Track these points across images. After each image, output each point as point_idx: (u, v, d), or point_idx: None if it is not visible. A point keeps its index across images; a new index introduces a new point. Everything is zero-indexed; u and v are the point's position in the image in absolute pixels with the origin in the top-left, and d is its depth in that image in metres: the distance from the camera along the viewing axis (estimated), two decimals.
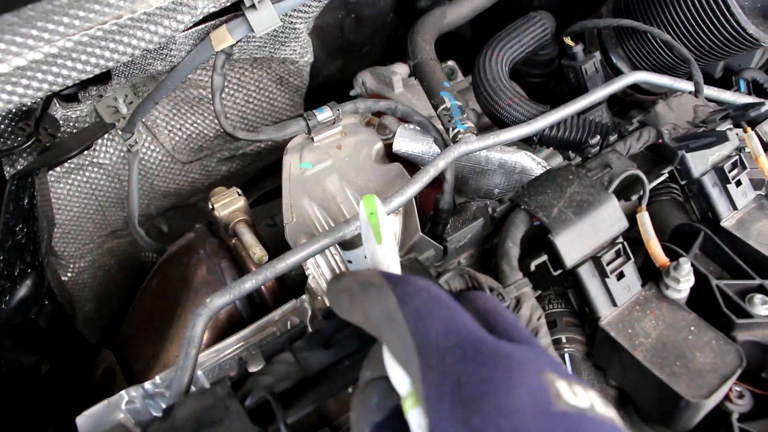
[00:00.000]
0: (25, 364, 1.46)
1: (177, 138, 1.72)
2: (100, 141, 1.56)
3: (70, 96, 1.37)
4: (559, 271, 0.97)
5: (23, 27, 0.92)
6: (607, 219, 0.99)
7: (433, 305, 0.60)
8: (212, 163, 1.86)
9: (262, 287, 1.21)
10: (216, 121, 1.73)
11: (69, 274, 1.68)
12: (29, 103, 1.05)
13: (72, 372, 1.62)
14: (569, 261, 0.96)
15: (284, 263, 0.95)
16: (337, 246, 1.06)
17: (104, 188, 1.65)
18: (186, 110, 1.68)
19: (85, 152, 1.54)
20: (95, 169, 1.60)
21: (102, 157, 1.60)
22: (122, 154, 1.63)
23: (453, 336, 0.56)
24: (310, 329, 1.01)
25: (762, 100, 1.21)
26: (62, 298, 1.49)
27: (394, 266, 0.78)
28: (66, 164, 1.53)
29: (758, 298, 0.99)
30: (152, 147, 1.70)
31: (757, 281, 1.02)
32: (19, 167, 1.42)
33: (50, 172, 1.49)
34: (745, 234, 1.10)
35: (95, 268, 1.76)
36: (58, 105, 1.37)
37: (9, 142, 1.36)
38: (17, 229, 1.28)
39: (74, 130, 1.47)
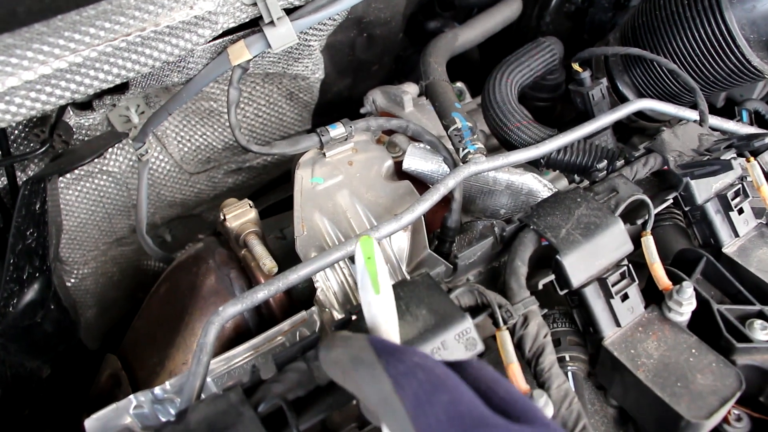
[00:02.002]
0: (28, 367, 1.47)
1: (186, 149, 1.74)
2: (110, 149, 1.58)
3: (84, 104, 1.39)
4: (566, 291, 1.00)
5: (51, 36, 0.95)
6: (613, 242, 1.01)
7: (431, 388, 0.58)
8: (219, 175, 1.88)
9: (270, 299, 1.23)
10: (225, 133, 1.76)
11: (72, 280, 1.70)
12: (57, 108, 1.07)
13: (71, 378, 1.63)
14: (576, 281, 0.98)
15: (296, 275, 0.97)
16: (347, 260, 1.08)
17: (112, 196, 1.67)
18: (196, 122, 1.71)
19: (96, 160, 1.56)
20: (104, 177, 1.62)
21: (111, 165, 1.62)
22: (131, 163, 1.65)
23: (456, 422, 0.54)
24: None
25: (766, 131, 1.24)
26: (67, 303, 1.50)
27: (391, 321, 0.79)
28: (76, 171, 1.55)
29: (758, 323, 1.01)
30: (161, 157, 1.72)
31: (758, 307, 1.04)
32: (30, 173, 1.44)
33: (60, 178, 1.51)
34: (746, 261, 1.12)
35: (98, 275, 1.77)
36: (71, 112, 1.39)
37: (22, 148, 1.39)
38: (28, 233, 1.30)
39: (86, 138, 1.49)
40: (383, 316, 0.79)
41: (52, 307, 1.42)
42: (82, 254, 1.69)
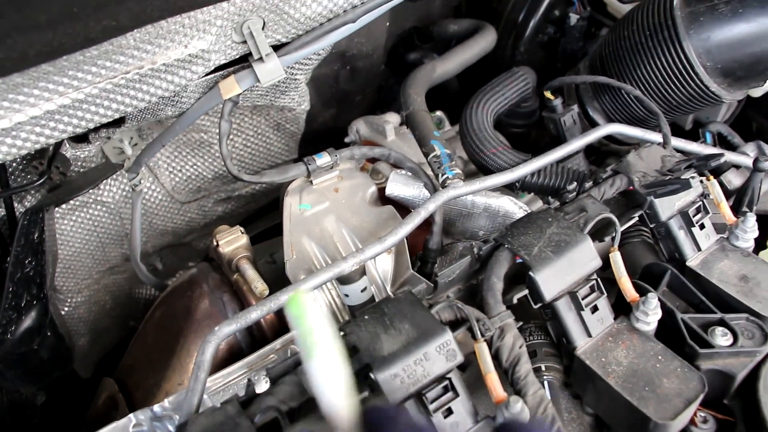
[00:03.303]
0: (23, 394, 1.50)
1: (177, 179, 1.80)
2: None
3: (80, 137, 1.45)
4: (539, 305, 1.06)
5: (56, 75, 1.01)
6: (583, 258, 1.08)
7: None
8: (209, 204, 1.94)
9: (262, 320, 1.28)
10: (215, 163, 1.82)
11: (66, 308, 1.73)
12: (53, 144, 1.14)
13: (64, 405, 1.66)
14: (548, 295, 1.05)
15: (287, 296, 1.03)
16: (335, 281, 1.14)
17: (106, 225, 1.72)
18: (187, 153, 1.77)
19: (90, 190, 1.61)
20: (98, 207, 1.67)
21: (106, 195, 1.67)
22: (124, 193, 1.70)
23: None
24: None
25: (721, 151, 1.32)
26: (63, 330, 1.54)
27: (334, 389, 0.76)
28: (71, 201, 1.59)
29: (719, 330, 1.08)
30: (153, 187, 1.78)
31: (718, 315, 1.11)
32: (27, 204, 1.49)
33: (56, 208, 1.56)
34: (708, 273, 1.20)
35: (91, 303, 1.81)
36: (68, 145, 1.44)
37: (20, 179, 1.44)
38: (27, 262, 1.34)
39: (82, 169, 1.55)
40: (324, 383, 0.76)
41: (49, 333, 1.45)
42: (76, 283, 1.73)
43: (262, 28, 1.22)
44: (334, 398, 0.78)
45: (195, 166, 1.80)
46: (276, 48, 1.28)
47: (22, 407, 1.50)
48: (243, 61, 1.29)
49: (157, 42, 1.10)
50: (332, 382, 0.77)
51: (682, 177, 1.20)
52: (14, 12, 0.78)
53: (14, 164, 1.42)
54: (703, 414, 1.07)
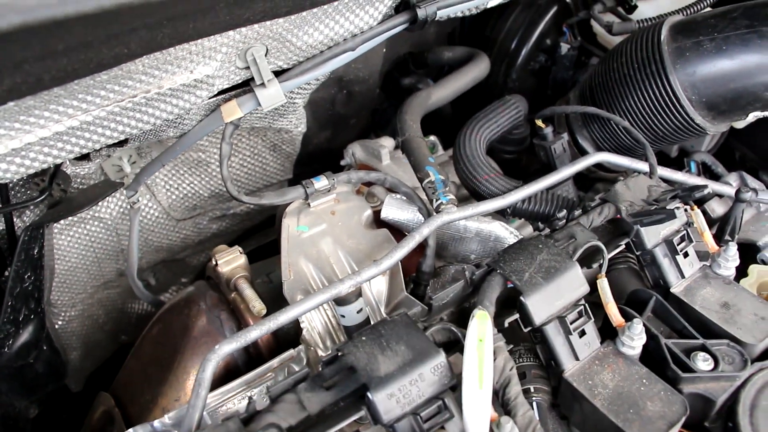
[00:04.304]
0: (17, 407, 1.51)
1: (174, 197, 1.83)
2: None
3: (82, 155, 1.47)
4: (529, 328, 1.10)
5: (66, 98, 1.05)
6: (572, 283, 1.12)
7: None
8: (204, 221, 1.97)
9: (259, 340, 1.31)
10: (211, 182, 1.85)
11: (60, 322, 1.74)
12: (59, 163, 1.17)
13: (56, 419, 1.67)
14: (538, 319, 1.09)
15: (286, 316, 1.06)
16: (332, 302, 1.18)
17: (102, 241, 1.74)
18: (184, 171, 1.80)
19: None
20: (96, 223, 1.70)
21: (103, 211, 1.69)
22: (122, 210, 1.72)
23: None
24: None
25: (705, 182, 1.37)
26: (58, 344, 1.55)
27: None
28: (69, 217, 1.62)
29: (701, 355, 1.12)
30: (150, 204, 1.81)
31: (700, 341, 1.15)
32: (27, 219, 1.51)
33: (54, 224, 1.58)
34: (691, 299, 1.24)
35: (84, 318, 1.82)
36: (68, 162, 1.47)
37: (20, 195, 1.46)
38: (26, 277, 1.36)
39: (81, 186, 1.58)
40: (481, 415, 0.87)
41: (45, 347, 1.47)
42: (71, 297, 1.75)
43: (265, 55, 1.26)
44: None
45: (192, 185, 1.83)
46: (277, 74, 1.31)
47: (15, 420, 1.51)
48: (244, 85, 1.32)
49: (164, 68, 1.13)
50: (483, 416, 0.88)
51: (668, 207, 1.25)
52: (34, 40, 0.81)
53: (15, 180, 1.44)
54: None
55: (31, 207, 1.51)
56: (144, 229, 1.83)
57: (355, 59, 1.44)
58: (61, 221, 1.61)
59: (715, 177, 1.70)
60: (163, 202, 1.82)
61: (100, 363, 1.93)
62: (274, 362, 1.18)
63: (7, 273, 1.34)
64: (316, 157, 1.96)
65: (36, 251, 1.38)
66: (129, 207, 1.65)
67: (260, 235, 2.14)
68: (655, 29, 1.55)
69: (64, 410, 1.72)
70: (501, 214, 1.49)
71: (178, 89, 1.18)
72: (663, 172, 1.44)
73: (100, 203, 1.67)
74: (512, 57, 2.09)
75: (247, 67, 1.27)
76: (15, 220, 1.50)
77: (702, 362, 1.11)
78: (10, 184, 1.43)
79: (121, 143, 1.38)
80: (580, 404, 1.08)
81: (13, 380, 1.42)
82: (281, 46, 1.27)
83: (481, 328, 0.90)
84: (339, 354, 0.97)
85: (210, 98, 1.28)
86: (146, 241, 1.87)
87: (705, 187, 1.28)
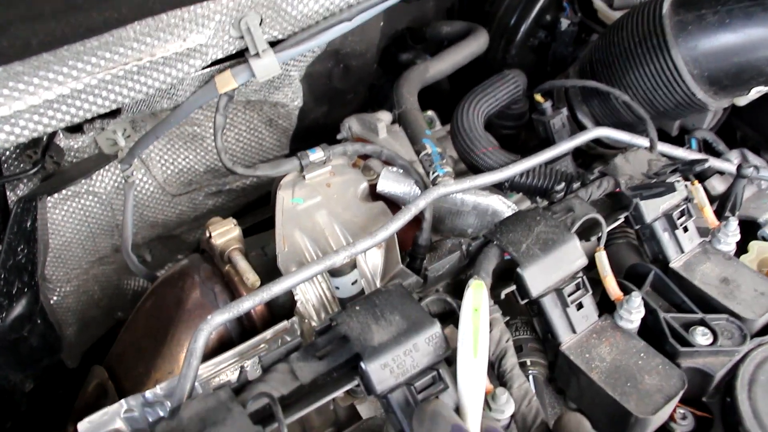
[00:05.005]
0: (12, 381, 1.51)
1: (169, 171, 1.81)
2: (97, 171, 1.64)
3: (74, 127, 1.45)
4: (526, 300, 1.09)
5: (56, 65, 1.03)
6: (569, 256, 1.11)
7: None
8: (200, 197, 1.95)
9: (252, 311, 1.30)
10: (207, 157, 1.83)
11: (55, 298, 1.73)
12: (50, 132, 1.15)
13: (52, 394, 1.67)
14: (535, 291, 1.08)
15: (279, 287, 1.04)
16: (326, 273, 1.16)
17: (97, 216, 1.72)
18: (180, 146, 1.78)
19: (83, 181, 1.62)
20: (90, 197, 1.68)
21: (98, 186, 1.68)
22: (116, 184, 1.71)
23: None
24: None
25: (706, 157, 1.36)
26: (52, 318, 1.54)
27: (479, 393, 0.89)
28: (63, 191, 1.60)
29: (699, 330, 1.11)
30: (145, 179, 1.79)
31: (699, 315, 1.14)
32: (20, 192, 1.49)
33: (48, 198, 1.56)
34: (690, 275, 1.23)
35: (80, 293, 1.81)
36: (62, 135, 1.45)
37: (13, 168, 1.45)
38: (19, 249, 1.35)
39: (74, 160, 1.56)
40: (475, 384, 0.86)
41: (39, 321, 1.46)
42: (65, 272, 1.74)
43: (260, 24, 1.24)
44: (476, 405, 0.88)
45: (187, 159, 1.81)
46: (272, 44, 1.29)
47: (10, 394, 1.50)
48: (239, 56, 1.30)
49: (156, 35, 1.11)
50: (480, 388, 0.87)
51: (668, 181, 1.23)
52: (20, 2, 0.79)
53: (8, 153, 1.43)
54: (682, 411, 1.10)
55: (24, 180, 1.50)
56: (139, 204, 1.81)
57: (352, 32, 1.42)
58: (55, 195, 1.60)
59: (716, 154, 1.69)
60: (158, 177, 1.81)
61: (95, 339, 1.92)
62: (268, 334, 1.17)
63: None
64: (313, 133, 1.94)
65: (29, 224, 1.37)
66: (124, 181, 1.64)
67: (256, 212, 2.12)
68: (656, 3, 1.52)
69: (60, 385, 1.71)
70: (499, 188, 1.47)
71: (171, 58, 1.16)
72: (663, 147, 1.42)
73: (94, 177, 1.66)
74: (511, 33, 2.06)
75: (242, 37, 1.25)
76: (8, 193, 1.49)
77: (701, 337, 1.10)
78: (2, 157, 1.41)
79: (114, 113, 1.36)
80: (577, 377, 1.07)
81: (7, 354, 1.41)
82: (276, 15, 1.25)
83: (476, 297, 0.89)
84: (332, 323, 0.96)
85: (204, 68, 1.26)
86: (141, 216, 1.85)
87: (706, 160, 1.27)
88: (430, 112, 1.87)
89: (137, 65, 1.11)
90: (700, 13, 1.44)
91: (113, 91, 1.13)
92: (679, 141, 1.83)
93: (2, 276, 1.32)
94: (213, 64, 1.28)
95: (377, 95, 2.16)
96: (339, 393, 0.92)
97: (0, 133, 1.07)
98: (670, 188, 1.19)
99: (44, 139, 1.39)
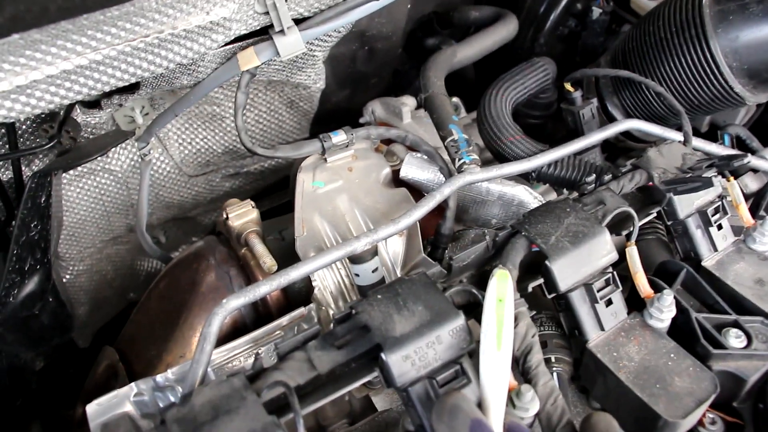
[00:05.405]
0: (23, 359, 1.49)
1: (186, 151, 1.79)
2: (113, 148, 1.62)
3: (92, 102, 1.43)
4: (553, 295, 1.05)
5: (75, 34, 0.99)
6: (600, 250, 1.06)
7: None
8: (216, 179, 1.92)
9: (268, 297, 1.26)
10: (225, 137, 1.80)
11: (68, 276, 1.72)
12: (67, 104, 1.12)
13: (62, 373, 1.65)
14: (563, 285, 1.03)
15: (297, 272, 1.01)
16: (346, 260, 1.13)
17: (112, 194, 1.70)
18: (198, 125, 1.75)
19: (99, 158, 1.60)
20: (106, 175, 1.66)
21: (114, 164, 1.65)
22: (132, 163, 1.68)
23: None
24: None
25: (744, 153, 1.31)
26: (64, 296, 1.53)
27: (502, 387, 0.85)
28: (79, 168, 1.58)
29: (733, 332, 1.07)
30: (162, 158, 1.76)
31: (733, 317, 1.10)
32: (34, 167, 1.48)
33: (63, 174, 1.54)
34: (723, 274, 1.18)
35: (93, 273, 1.80)
36: (79, 110, 1.43)
37: (29, 143, 1.42)
38: (32, 225, 1.33)
39: (91, 136, 1.53)
40: (498, 378, 0.83)
41: (51, 299, 1.44)
42: (79, 251, 1.72)
43: (286, 0, 1.20)
44: (499, 399, 0.84)
45: (205, 140, 1.78)
46: (298, 21, 1.26)
47: (21, 371, 1.49)
48: (263, 33, 1.27)
49: (179, 6, 1.08)
50: (504, 381, 0.83)
51: (704, 176, 1.19)
52: None
53: (24, 127, 1.41)
54: (711, 415, 1.06)
55: (40, 155, 1.48)
56: (155, 184, 1.79)
57: (379, 13, 1.38)
58: (71, 172, 1.58)
59: (750, 151, 1.63)
60: (175, 157, 1.78)
61: (107, 320, 1.91)
62: (284, 320, 1.13)
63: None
64: (334, 117, 1.90)
65: (43, 199, 1.34)
66: (140, 159, 1.61)
67: (273, 196, 2.09)
68: None
69: (71, 365, 1.70)
70: (525, 179, 1.43)
71: (193, 31, 1.12)
72: (697, 142, 1.37)
73: (110, 155, 1.64)
74: (541, 21, 2.01)
75: (266, 12, 1.21)
76: (23, 168, 1.47)
77: (734, 339, 1.06)
78: (19, 131, 1.39)
79: (131, 88, 1.33)
80: (603, 376, 1.02)
81: (18, 331, 1.39)
82: None
83: (501, 287, 0.85)
84: (352, 312, 0.92)
85: (226, 44, 1.23)
86: (157, 196, 1.83)
87: (744, 155, 1.21)
88: (455, 99, 1.83)
89: (158, 38, 1.08)
90: (744, 2, 1.38)
91: (132, 64, 1.10)
92: (709, 137, 1.77)
93: (15, 252, 1.30)
94: (236, 40, 1.24)
95: (401, 81, 2.12)
96: (357, 384, 0.88)
97: (16, 104, 1.03)
98: (708, 183, 1.14)
99: (61, 113, 1.37)
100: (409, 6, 1.81)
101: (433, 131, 1.43)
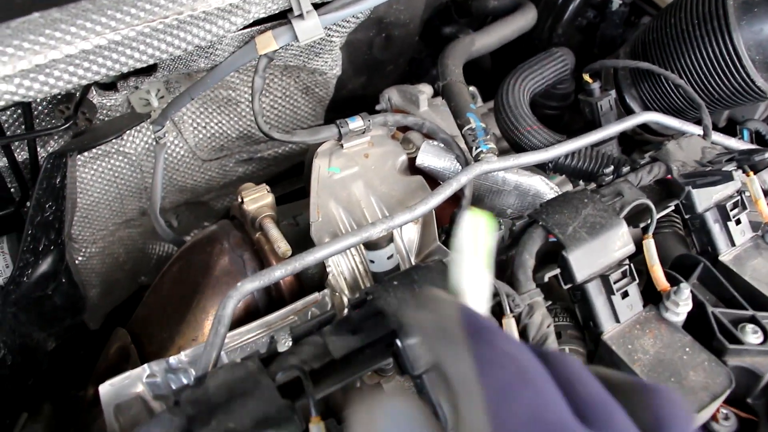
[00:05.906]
0: (35, 339, 1.50)
1: (201, 135, 1.78)
2: (128, 131, 1.62)
3: (108, 84, 1.43)
4: (569, 285, 1.04)
5: (95, 14, 0.99)
6: (617, 241, 1.06)
7: (517, 383, 0.51)
8: (230, 164, 1.92)
9: (281, 281, 1.26)
10: (240, 122, 1.80)
11: (80, 258, 1.73)
12: (84, 85, 1.11)
13: (73, 354, 1.66)
14: (580, 276, 1.03)
15: (312, 257, 1.01)
16: (361, 246, 1.12)
17: (126, 177, 1.71)
18: (213, 110, 1.75)
19: (114, 140, 1.60)
20: (120, 158, 1.66)
21: (128, 146, 1.65)
22: (147, 146, 1.68)
23: (537, 426, 0.48)
24: None
25: (766, 148, 1.29)
26: (77, 278, 1.53)
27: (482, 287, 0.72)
28: (93, 150, 1.58)
29: (750, 327, 1.06)
30: (176, 142, 1.76)
31: (750, 312, 1.09)
32: (50, 149, 1.48)
33: (78, 156, 1.54)
34: (740, 269, 1.17)
35: (105, 255, 1.80)
36: (95, 92, 1.42)
37: (44, 123, 1.42)
38: (47, 206, 1.33)
39: (106, 118, 1.53)
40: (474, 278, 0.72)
41: (64, 280, 1.44)
42: (92, 233, 1.73)
43: None
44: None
45: (220, 124, 1.78)
46: (317, 6, 1.25)
47: (33, 351, 1.49)
48: (281, 17, 1.26)
49: None
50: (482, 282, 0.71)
51: (723, 170, 1.17)
52: None
53: (40, 108, 1.41)
54: (725, 411, 1.05)
55: (55, 137, 1.48)
56: (169, 167, 1.79)
57: (397, 0, 1.37)
58: (85, 154, 1.58)
59: None
60: (189, 141, 1.78)
61: (118, 302, 1.92)
62: (298, 305, 1.13)
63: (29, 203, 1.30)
64: (350, 104, 1.89)
65: (58, 180, 1.34)
66: (155, 143, 1.61)
67: (287, 182, 2.09)
68: None
69: (82, 346, 1.71)
70: (541, 169, 1.42)
71: (212, 13, 1.11)
72: (716, 136, 1.36)
73: (124, 138, 1.64)
74: (559, 11, 1.99)
75: None
76: (39, 150, 1.47)
77: (751, 334, 1.05)
78: (35, 112, 1.39)
79: (148, 70, 1.33)
80: (617, 369, 1.02)
81: (31, 311, 1.40)
82: None
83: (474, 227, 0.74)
84: (368, 297, 0.92)
85: (245, 28, 1.22)
86: (170, 180, 1.83)
87: (765, 150, 1.20)
88: (472, 88, 1.81)
89: (177, 19, 1.07)
90: None
91: (151, 45, 1.09)
92: (726, 132, 1.76)
93: (30, 232, 1.30)
94: (254, 24, 1.23)
95: (417, 69, 2.11)
96: (371, 370, 0.88)
97: (35, 83, 1.03)
98: (727, 177, 1.13)
99: (77, 95, 1.37)
100: None
101: (450, 119, 1.42)
